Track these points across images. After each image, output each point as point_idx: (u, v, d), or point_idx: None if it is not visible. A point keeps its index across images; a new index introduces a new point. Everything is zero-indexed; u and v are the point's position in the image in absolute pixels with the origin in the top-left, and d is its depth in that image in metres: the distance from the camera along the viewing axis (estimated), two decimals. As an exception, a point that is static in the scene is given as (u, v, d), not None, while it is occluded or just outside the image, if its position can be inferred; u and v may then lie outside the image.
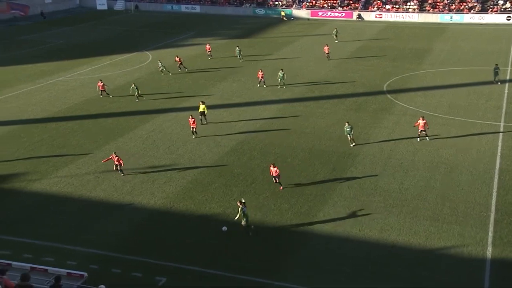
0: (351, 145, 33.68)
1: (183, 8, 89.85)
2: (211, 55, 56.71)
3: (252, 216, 25.66)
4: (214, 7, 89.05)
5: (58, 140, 35.06)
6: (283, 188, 28.20)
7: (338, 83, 48.02)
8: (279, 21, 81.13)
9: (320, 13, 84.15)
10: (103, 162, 30.53)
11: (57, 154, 32.89)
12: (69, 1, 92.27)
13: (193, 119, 34.90)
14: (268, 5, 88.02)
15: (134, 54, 59.22)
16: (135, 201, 27.29)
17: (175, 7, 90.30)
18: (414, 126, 34.69)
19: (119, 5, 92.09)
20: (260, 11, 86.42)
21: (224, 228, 24.22)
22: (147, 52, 60.04)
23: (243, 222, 24.01)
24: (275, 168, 28.18)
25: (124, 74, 50.65)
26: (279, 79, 45.93)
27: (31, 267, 19.38)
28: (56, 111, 40.67)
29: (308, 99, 43.70)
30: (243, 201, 24.28)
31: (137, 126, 37.41)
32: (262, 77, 46.35)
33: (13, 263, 19.64)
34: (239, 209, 23.99)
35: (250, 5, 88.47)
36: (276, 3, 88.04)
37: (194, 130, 34.92)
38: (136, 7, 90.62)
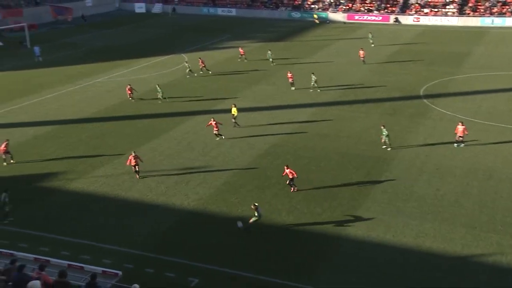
0: (383, 147, 33.44)
1: (219, 11, 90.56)
2: (245, 58, 56.97)
3: (285, 219, 25.72)
4: (250, 10, 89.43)
5: (95, 141, 35.79)
6: (297, 190, 28.28)
7: (373, 87, 47.56)
8: (314, 24, 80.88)
9: (356, 17, 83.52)
10: (127, 165, 30.38)
11: (94, 154, 33.56)
12: (108, 4, 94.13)
13: (214, 121, 35.23)
14: (303, 9, 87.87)
15: (171, 57, 59.97)
16: (169, 202, 27.63)
17: (212, 10, 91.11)
18: (455, 132, 33.94)
19: (157, 8, 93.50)
20: (296, 15, 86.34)
21: (239, 223, 24.41)
22: (183, 55, 60.72)
23: (252, 220, 24.53)
24: (289, 169, 28.21)
25: (160, 76, 51.37)
26: (312, 83, 45.85)
27: (68, 264, 19.83)
28: (93, 112, 41.53)
29: (343, 102, 43.42)
30: (256, 204, 24.91)
31: (172, 128, 37.86)
32: (291, 78, 46.50)
33: (52, 259, 20.15)
34: (254, 212, 24.52)
35: (286, 8, 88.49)
36: (312, 6, 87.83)
37: (217, 132, 35.26)
38: (174, 10, 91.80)
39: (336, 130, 37.24)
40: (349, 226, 25.21)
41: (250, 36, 71.94)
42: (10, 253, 20.49)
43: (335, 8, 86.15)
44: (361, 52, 55.73)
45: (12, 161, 32.27)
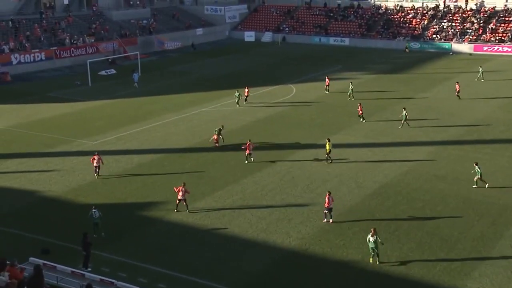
0: (474, 186, 32.85)
1: (332, 40, 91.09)
2: (328, 90, 56.65)
3: (395, 268, 24.71)
4: (364, 40, 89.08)
5: (197, 171, 36.98)
6: (332, 222, 28.49)
7: (502, 125, 45.06)
8: (435, 56, 78.74)
9: (484, 48, 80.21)
10: (182, 197, 30.52)
11: (196, 185, 34.63)
12: (218, 33, 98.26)
13: (248, 144, 37.31)
14: (424, 39, 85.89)
15: (278, 87, 60.97)
16: (269, 240, 27.69)
17: (323, 39, 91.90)
18: None
19: (267, 37, 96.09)
20: (415, 45, 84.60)
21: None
22: (291, 85, 61.55)
23: (372, 259, 24.45)
24: (328, 197, 28.56)
25: (266, 107, 52.33)
26: (402, 119, 44.55)
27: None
28: (197, 142, 43.02)
29: (465, 142, 41.49)
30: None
31: (275, 162, 38.17)
32: (361, 109, 46.54)
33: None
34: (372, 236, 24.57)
35: (404, 38, 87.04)
36: (434, 36, 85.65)
37: (249, 155, 37.44)
38: (284, 39, 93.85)
39: (456, 172, 35.52)
40: (470, 281, 23.66)
41: (362, 67, 71.47)
42: (111, 281, 21.55)
43: (461, 39, 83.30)
44: (457, 86, 53.27)
45: (98, 176, 35.26)
